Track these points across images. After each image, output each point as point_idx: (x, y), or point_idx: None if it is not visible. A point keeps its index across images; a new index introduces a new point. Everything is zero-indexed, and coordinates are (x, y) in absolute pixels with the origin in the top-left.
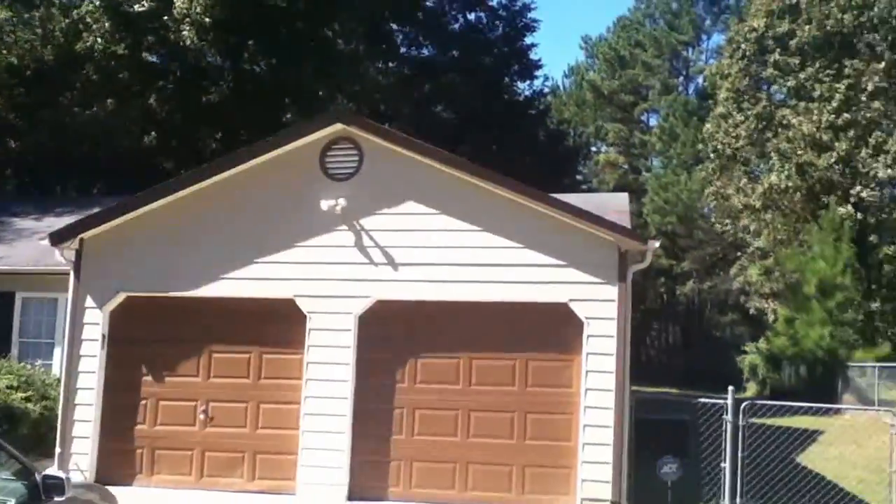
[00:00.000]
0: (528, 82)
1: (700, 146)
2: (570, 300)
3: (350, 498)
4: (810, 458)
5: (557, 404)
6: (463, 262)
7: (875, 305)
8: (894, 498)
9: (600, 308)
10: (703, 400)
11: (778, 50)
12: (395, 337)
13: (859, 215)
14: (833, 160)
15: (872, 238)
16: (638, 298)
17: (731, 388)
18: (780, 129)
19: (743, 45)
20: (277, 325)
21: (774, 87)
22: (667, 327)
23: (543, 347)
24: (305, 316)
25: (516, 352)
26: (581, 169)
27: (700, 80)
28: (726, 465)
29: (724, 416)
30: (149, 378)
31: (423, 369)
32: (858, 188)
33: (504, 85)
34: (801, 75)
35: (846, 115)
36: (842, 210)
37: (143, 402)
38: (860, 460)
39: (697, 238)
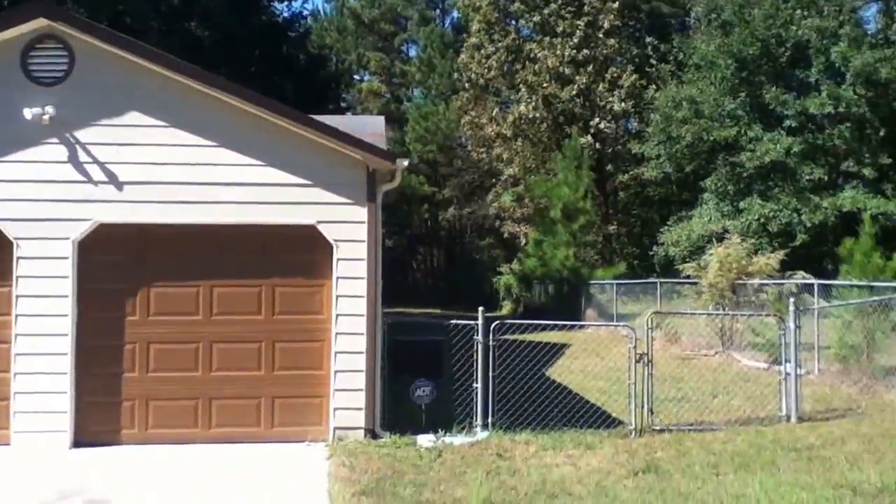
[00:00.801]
0: (286, 2)
1: (456, 76)
2: (318, 222)
3: (76, 444)
4: (558, 372)
5: (308, 332)
6: (198, 181)
7: (612, 228)
8: (633, 407)
9: (350, 230)
10: (454, 321)
11: None
12: (124, 264)
13: (598, 145)
14: (574, 93)
15: (609, 167)
16: (403, 224)
17: (481, 308)
18: (527, 62)
19: None
20: None
21: (522, 22)
22: (431, 252)
23: (292, 273)
24: (12, 242)
25: (262, 278)
26: (345, 96)
27: (455, 13)
28: (478, 384)
29: (476, 337)
30: None
31: (158, 299)
32: (597, 120)
33: (261, 5)
34: (545, 11)
35: (585, 51)
36: (583, 140)
37: None
38: (602, 371)
39: (457, 166)
